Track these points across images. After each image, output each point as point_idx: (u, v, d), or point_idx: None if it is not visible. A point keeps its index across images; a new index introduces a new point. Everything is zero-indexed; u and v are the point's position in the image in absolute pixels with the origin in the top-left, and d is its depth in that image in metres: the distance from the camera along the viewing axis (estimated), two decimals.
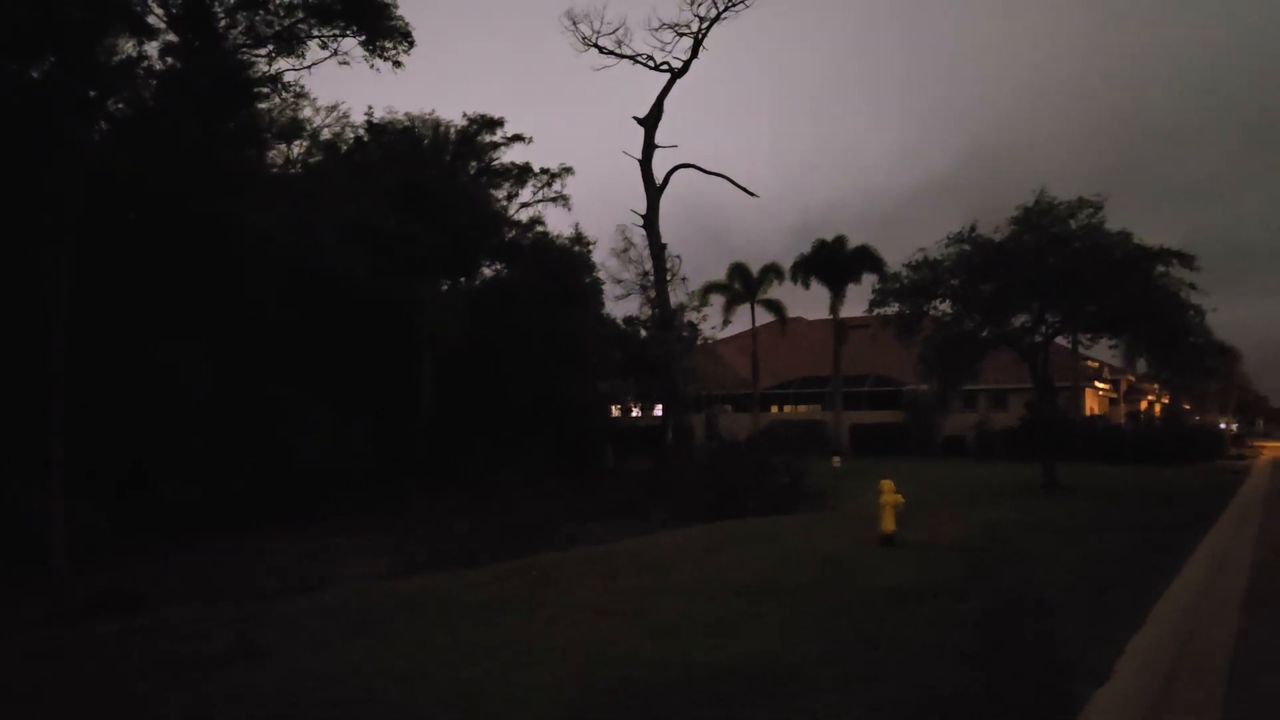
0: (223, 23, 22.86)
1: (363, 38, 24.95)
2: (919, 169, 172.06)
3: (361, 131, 34.83)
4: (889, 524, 12.37)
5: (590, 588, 9.55)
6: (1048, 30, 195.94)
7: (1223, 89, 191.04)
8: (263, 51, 23.44)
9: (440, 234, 31.26)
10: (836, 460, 18.89)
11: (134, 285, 20.25)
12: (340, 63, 25.34)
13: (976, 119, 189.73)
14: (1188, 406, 69.63)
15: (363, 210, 26.04)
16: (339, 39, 24.65)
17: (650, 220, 34.95)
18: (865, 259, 42.18)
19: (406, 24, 25.74)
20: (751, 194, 35.97)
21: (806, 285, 46.09)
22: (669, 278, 36.85)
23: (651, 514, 22.94)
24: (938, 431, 47.12)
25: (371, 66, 25.76)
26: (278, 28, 23.43)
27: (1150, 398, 64.54)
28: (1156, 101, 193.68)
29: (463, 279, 37.84)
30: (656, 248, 35.34)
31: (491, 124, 37.74)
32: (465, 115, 37.76)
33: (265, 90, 23.90)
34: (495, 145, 39.02)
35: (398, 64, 26.16)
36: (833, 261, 44.17)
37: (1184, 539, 13.45)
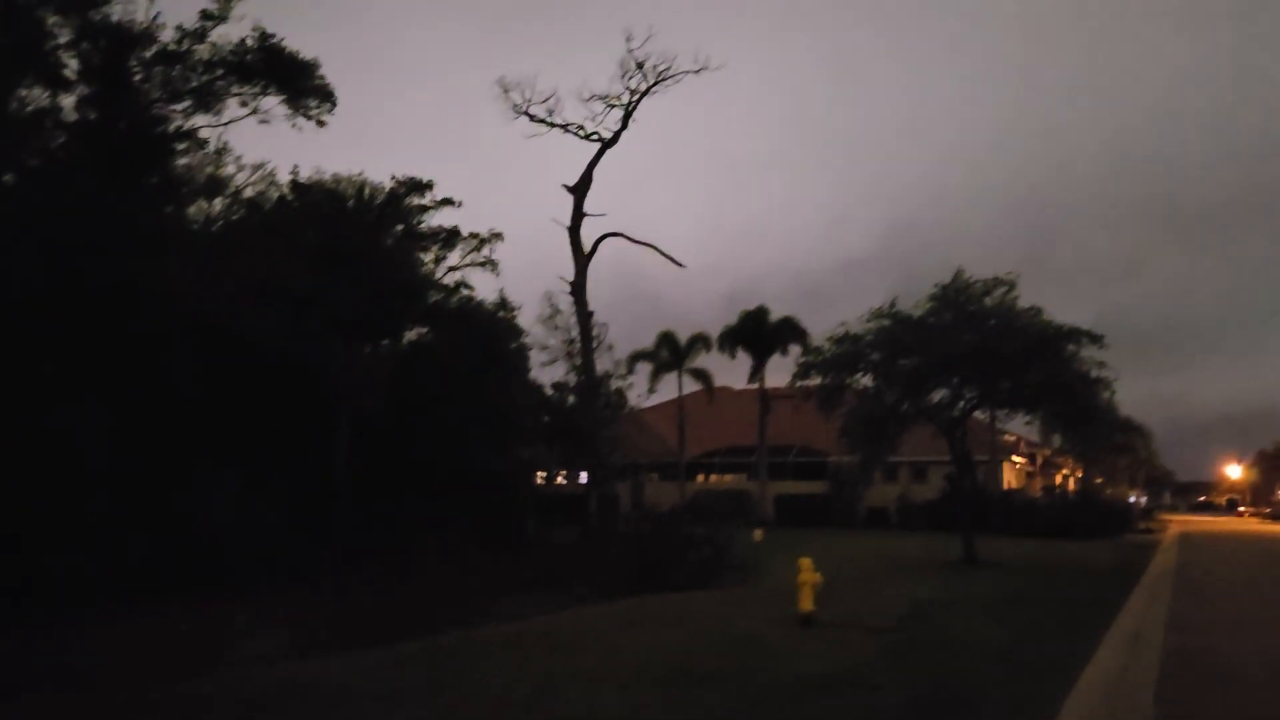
0: (138, 76, 22.35)
1: (284, 96, 24.68)
2: (844, 242, 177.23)
3: (285, 190, 34.24)
4: (807, 603, 12.14)
5: (496, 671, 9.08)
6: (965, 109, 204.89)
7: (1133, 172, 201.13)
8: (179, 107, 22.98)
9: (362, 296, 30.64)
10: (758, 533, 18.69)
11: (24, 342, 19.26)
12: (260, 121, 25.02)
13: (897, 195, 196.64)
14: (1100, 480, 71.48)
15: (281, 269, 25.40)
16: (260, 97, 24.34)
17: (578, 287, 34.90)
18: (789, 330, 42.77)
19: (329, 84, 25.61)
20: (678, 264, 36.23)
21: (733, 355, 46.51)
22: (595, 345, 36.72)
23: (571, 587, 22.35)
24: (861, 503, 47.40)
25: (294, 125, 25.47)
26: (196, 83, 23.00)
27: (1065, 471, 66.13)
28: (1071, 182, 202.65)
29: (385, 342, 37.11)
30: (583, 315, 35.25)
31: (420, 186, 37.45)
32: (394, 177, 37.45)
33: (183, 146, 23.36)
34: (424, 208, 38.64)
35: (321, 123, 25.93)
36: (758, 332, 44.67)
37: (1097, 619, 13.48)
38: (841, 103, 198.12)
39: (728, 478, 56.33)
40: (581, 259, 34.84)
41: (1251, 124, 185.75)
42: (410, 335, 38.97)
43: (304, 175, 35.10)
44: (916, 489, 47.35)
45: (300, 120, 25.43)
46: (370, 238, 34.24)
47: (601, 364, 38.81)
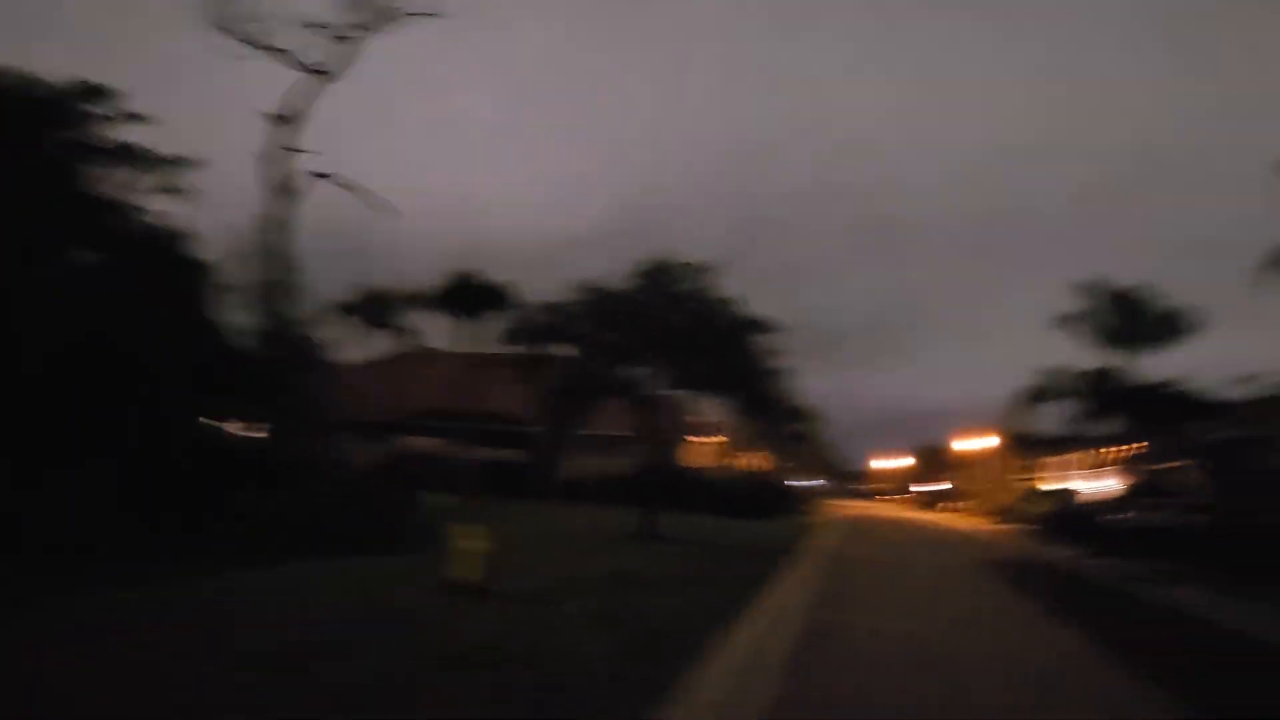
0: None
1: None
2: (576, 217, 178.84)
3: None
4: (470, 573, 11.73)
5: (92, 647, 7.87)
6: (700, 99, 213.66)
7: (833, 172, 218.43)
8: None
9: (11, 208, 26.41)
10: (452, 499, 18.19)
11: None
12: None
13: (630, 178, 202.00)
14: (782, 464, 77.42)
15: None
16: None
17: (277, 227, 32.25)
18: (502, 295, 42.19)
19: None
20: (392, 210, 34.40)
21: (446, 316, 45.23)
22: (295, 292, 34.16)
23: (236, 552, 20.56)
24: (559, 474, 47.98)
25: None
26: None
27: (752, 454, 70.90)
28: (785, 178, 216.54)
29: (44, 266, 32.36)
30: (282, 258, 32.64)
31: (97, 93, 32.91)
32: (67, 79, 32.63)
33: None
34: (105, 119, 34.07)
35: None
36: (470, 295, 43.75)
37: (749, 594, 14.16)
38: (586, 78, 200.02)
39: (434, 441, 55.03)
40: (284, 198, 32.21)
41: (957, 150, 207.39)
42: (79, 260, 34.31)
43: None
44: (616, 463, 48.63)
45: None
46: (26, 138, 29.57)
47: (303, 314, 36.18)
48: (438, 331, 48.36)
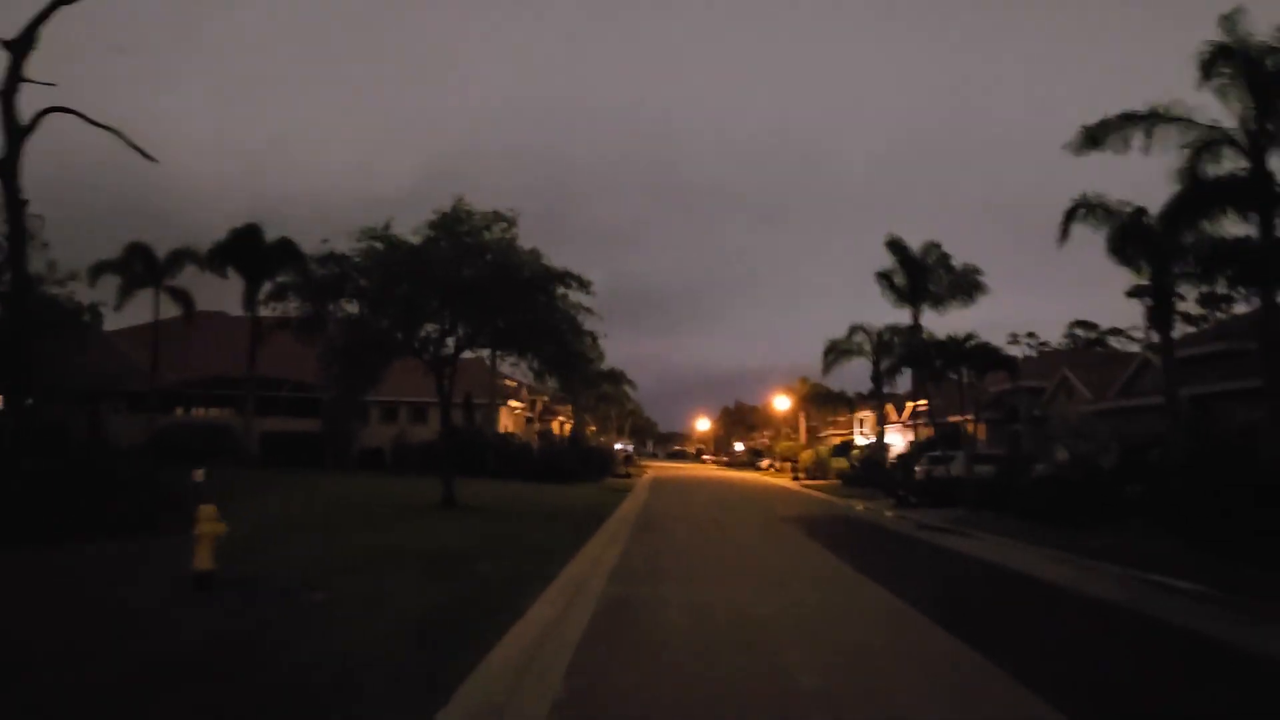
0: None
1: None
2: (375, 180, 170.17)
3: None
4: (205, 560, 9.64)
5: None
6: (505, 65, 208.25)
7: (639, 142, 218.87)
8: None
9: None
10: (199, 474, 15.73)
11: None
12: None
13: (436, 139, 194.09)
14: (593, 428, 76.77)
15: None
16: None
17: (8, 167, 27.76)
18: (289, 254, 38.47)
19: None
20: (148, 157, 30.31)
21: (224, 275, 41.01)
22: (30, 240, 29.68)
23: None
24: (355, 443, 45.03)
25: None
26: None
27: (561, 418, 69.73)
28: (589, 144, 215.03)
29: None
30: (15, 202, 28.18)
31: None
32: None
33: None
34: None
35: None
36: (253, 253, 39.77)
37: (547, 567, 12.72)
38: (388, 34, 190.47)
39: (214, 411, 50.48)
40: (16, 132, 27.71)
41: (758, 122, 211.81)
42: None
43: None
44: (415, 430, 46.14)
45: None
46: None
47: (41, 266, 31.60)
48: (228, 294, 43.94)
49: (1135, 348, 59.33)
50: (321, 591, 9.90)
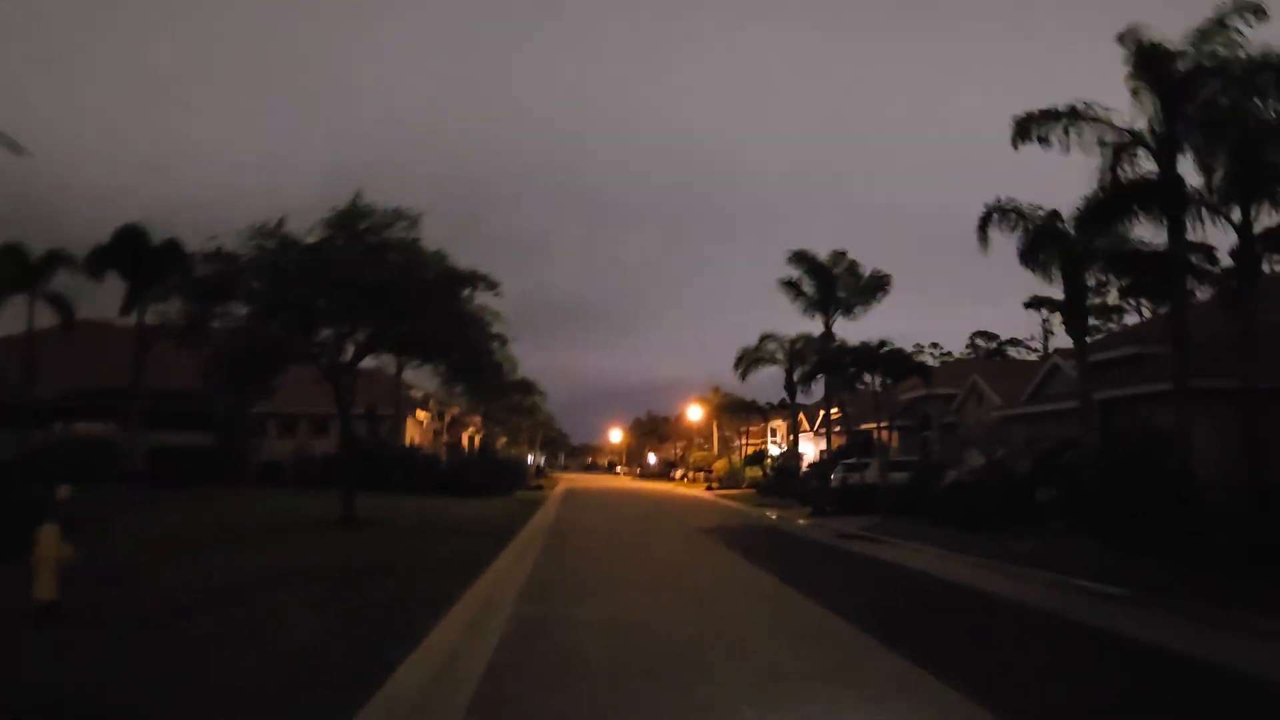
0: None
1: None
2: (283, 183, 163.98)
3: None
4: (48, 589, 8.38)
5: None
6: (409, 77, 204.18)
7: (547, 153, 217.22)
8: None
9: None
10: (64, 490, 14.22)
11: None
12: None
13: (342, 145, 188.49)
14: (504, 440, 75.17)
15: None
16: None
17: None
18: (177, 257, 36.19)
19: None
20: (19, 150, 28.25)
21: (101, 279, 38.31)
22: None
23: None
24: (254, 456, 42.79)
25: None
26: None
27: (472, 430, 67.98)
28: (497, 154, 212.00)
29: None
30: None
31: None
32: None
33: None
34: None
35: None
36: (138, 256, 37.29)
37: (451, 589, 11.67)
38: (294, 42, 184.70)
39: (97, 426, 47.40)
40: None
41: (663, 132, 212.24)
42: None
43: None
44: (317, 443, 44.10)
45: None
46: None
47: None
48: (115, 302, 40.92)
49: (1033, 357, 61.31)
50: (190, 618, 8.73)
